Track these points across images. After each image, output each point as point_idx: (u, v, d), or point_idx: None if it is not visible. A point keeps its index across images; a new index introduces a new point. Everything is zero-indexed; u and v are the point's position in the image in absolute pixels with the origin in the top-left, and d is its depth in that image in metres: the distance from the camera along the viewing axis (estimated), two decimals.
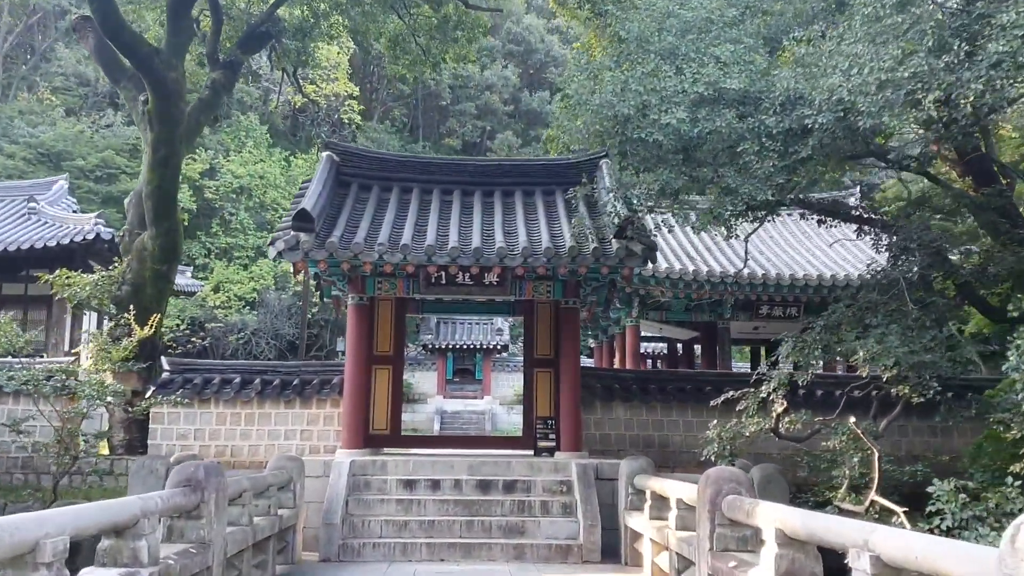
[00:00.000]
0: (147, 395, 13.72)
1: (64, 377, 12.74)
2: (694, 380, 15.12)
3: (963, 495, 6.23)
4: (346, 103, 41.76)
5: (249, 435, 14.10)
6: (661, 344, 30.86)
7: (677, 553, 8.29)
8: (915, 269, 9.52)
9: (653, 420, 14.47)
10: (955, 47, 6.51)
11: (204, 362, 16.44)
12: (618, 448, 14.12)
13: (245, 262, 37.53)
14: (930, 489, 6.65)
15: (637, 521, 10.06)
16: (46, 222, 22.85)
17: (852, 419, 8.38)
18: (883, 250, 11.08)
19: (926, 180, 11.19)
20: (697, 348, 25.94)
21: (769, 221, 12.97)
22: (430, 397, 39.83)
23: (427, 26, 16.74)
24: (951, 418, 9.25)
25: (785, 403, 8.94)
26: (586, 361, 22.93)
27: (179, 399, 13.28)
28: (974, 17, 6.96)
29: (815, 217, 12.04)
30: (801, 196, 9.50)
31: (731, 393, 9.70)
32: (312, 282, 15.75)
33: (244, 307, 35.20)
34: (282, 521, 9.75)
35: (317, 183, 13.23)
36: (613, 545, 10.92)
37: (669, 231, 13.86)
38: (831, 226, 12.77)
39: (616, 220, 11.07)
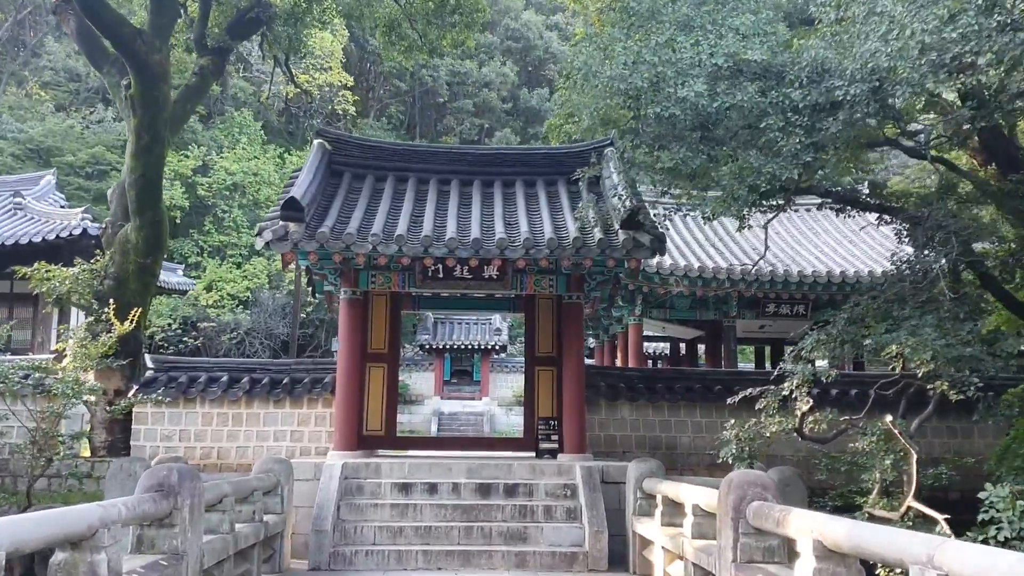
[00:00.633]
0: (130, 394, 13.12)
1: (44, 375, 12.15)
2: (703, 379, 14.54)
3: (1021, 502, 5.62)
4: (340, 93, 41.07)
5: (237, 436, 13.49)
6: (663, 344, 30.36)
7: (694, 563, 7.68)
8: (943, 260, 8.90)
9: (660, 421, 13.90)
10: (1008, 5, 5.90)
11: (190, 360, 15.82)
12: (623, 450, 13.55)
13: (238, 260, 36.98)
14: (981, 495, 6.05)
15: (647, 527, 9.49)
16: (32, 218, 22.29)
17: (888, 418, 7.75)
18: (906, 240, 10.50)
19: (943, 171, 10.62)
20: (700, 348, 25.45)
21: (783, 212, 12.36)
22: (427, 398, 39.28)
23: (423, 10, 16.15)
24: (989, 417, 8.65)
25: (811, 401, 8.31)
26: (586, 361, 22.34)
27: (160, 397, 12.66)
28: None
29: (833, 206, 11.44)
30: (827, 177, 8.87)
31: (749, 391, 9.08)
32: (304, 277, 15.19)
33: (237, 306, 34.67)
34: (268, 528, 9.19)
35: (308, 171, 12.67)
36: (620, 553, 10.34)
37: (682, 216, 13.18)
38: (849, 216, 12.15)
39: (627, 204, 10.44)
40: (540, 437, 13.00)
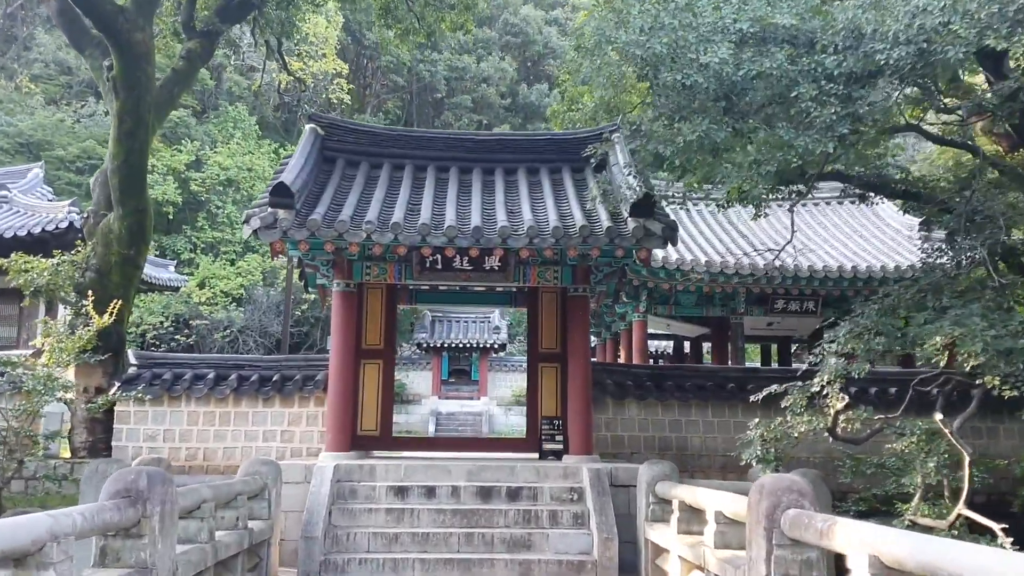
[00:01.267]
0: (111, 391, 12.44)
1: (21, 372, 11.46)
2: (715, 376, 13.86)
3: None
4: (335, 82, 40.30)
5: (224, 436, 12.81)
6: (667, 342, 29.71)
7: (717, 575, 7.03)
8: (980, 247, 8.24)
9: (670, 420, 13.23)
10: None
11: (175, 356, 15.11)
12: (631, 451, 12.90)
13: (232, 257, 36.34)
14: None
15: (661, 535, 8.83)
16: (18, 211, 21.61)
17: (938, 416, 7.10)
18: (936, 227, 9.85)
19: (983, 151, 10.00)
20: (705, 346, 24.80)
21: (800, 204, 11.71)
22: (424, 398, 38.56)
23: None
24: None
25: (846, 398, 7.64)
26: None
27: (141, 395, 11.98)
28: None
29: (855, 192, 10.78)
30: (859, 155, 8.21)
31: (774, 388, 8.41)
32: (296, 270, 14.51)
33: (231, 303, 33.97)
34: (254, 535, 8.53)
35: (299, 156, 12.01)
36: (631, 561, 9.70)
37: (687, 209, 12.50)
38: (872, 203, 11.49)
39: (637, 190, 9.79)
40: (544, 437, 12.34)
